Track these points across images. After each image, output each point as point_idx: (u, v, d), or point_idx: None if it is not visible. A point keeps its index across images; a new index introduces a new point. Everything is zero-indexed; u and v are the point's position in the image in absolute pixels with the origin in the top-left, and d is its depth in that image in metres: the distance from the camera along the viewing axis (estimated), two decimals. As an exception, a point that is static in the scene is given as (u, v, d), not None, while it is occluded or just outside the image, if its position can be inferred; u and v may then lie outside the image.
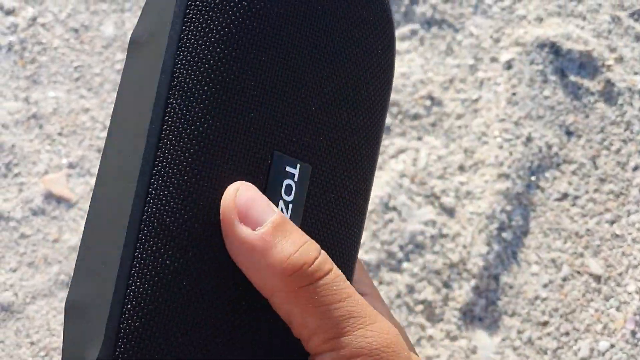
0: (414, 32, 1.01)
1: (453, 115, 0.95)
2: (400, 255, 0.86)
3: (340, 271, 0.37)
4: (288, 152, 0.40)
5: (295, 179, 0.40)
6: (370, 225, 0.87)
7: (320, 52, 0.41)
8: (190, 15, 0.37)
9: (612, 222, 0.88)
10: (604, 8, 1.01)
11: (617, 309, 0.83)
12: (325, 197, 0.41)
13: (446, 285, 0.85)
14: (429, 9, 1.02)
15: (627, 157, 0.91)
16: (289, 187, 0.40)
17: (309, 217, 0.40)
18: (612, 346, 0.81)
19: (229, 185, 0.36)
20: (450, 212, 0.89)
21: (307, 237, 0.37)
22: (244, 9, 0.37)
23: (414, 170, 0.91)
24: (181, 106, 0.36)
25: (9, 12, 1.01)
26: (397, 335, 0.37)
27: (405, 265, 0.86)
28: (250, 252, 0.35)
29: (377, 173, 0.90)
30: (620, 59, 0.97)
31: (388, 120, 0.94)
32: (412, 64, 0.98)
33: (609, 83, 0.95)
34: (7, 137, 0.92)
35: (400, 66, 0.98)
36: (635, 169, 0.90)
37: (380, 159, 0.92)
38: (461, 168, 0.91)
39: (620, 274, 0.85)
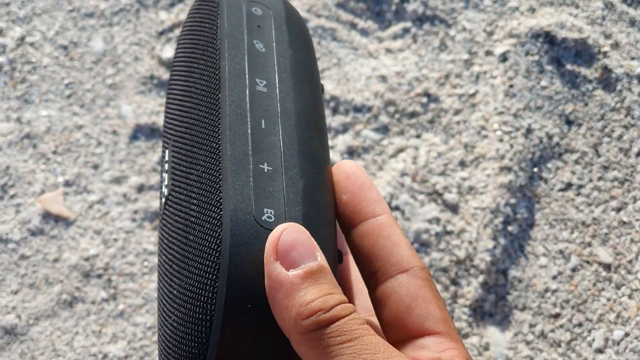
0: (406, 30, 1.01)
1: (451, 111, 0.94)
2: (405, 255, 0.85)
3: (358, 315, 0.37)
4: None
5: (167, 158, 0.45)
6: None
7: None
8: None
9: (618, 210, 0.87)
10: (597, -5, 1.00)
11: (630, 296, 0.82)
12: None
13: (454, 282, 0.84)
14: (420, 5, 1.01)
15: (630, 143, 0.90)
16: (165, 170, 0.45)
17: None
18: (627, 335, 0.80)
19: None
20: (453, 208, 0.87)
21: (336, 289, 0.37)
22: None
23: (415, 168, 0.89)
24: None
25: (-3, 33, 1.01)
26: None
27: (411, 265, 0.85)
28: (276, 291, 0.36)
29: (378, 173, 0.89)
30: (616, 45, 0.96)
31: (385, 119, 0.93)
32: (407, 62, 0.97)
33: (606, 70, 0.94)
34: (1, 159, 0.91)
35: (394, 65, 0.97)
36: (638, 154, 0.89)
37: (379, 159, 0.91)
38: (462, 163, 0.90)
39: (630, 261, 0.84)
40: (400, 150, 0.91)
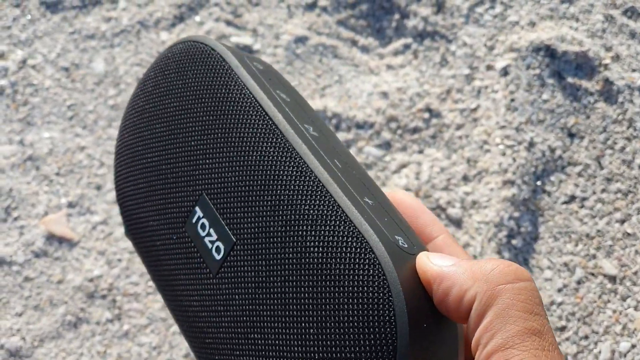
0: (407, 46, 1.01)
1: (453, 125, 0.94)
2: (410, 270, 0.85)
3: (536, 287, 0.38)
4: (187, 208, 0.43)
5: (202, 214, 0.42)
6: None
7: None
8: None
9: (622, 221, 0.87)
10: (597, 8, 1.00)
11: (635, 308, 0.81)
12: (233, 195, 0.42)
13: (459, 297, 0.83)
14: (420, 21, 1.01)
15: (633, 155, 0.90)
16: (203, 225, 0.42)
17: (230, 221, 0.41)
18: (634, 346, 0.80)
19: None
20: (457, 223, 0.87)
21: None
22: None
23: (418, 183, 0.89)
24: None
25: (-1, 57, 1.01)
26: None
27: (416, 280, 0.84)
28: (460, 274, 0.37)
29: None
30: (616, 57, 0.96)
31: (388, 135, 0.93)
32: (408, 78, 0.98)
33: (607, 82, 0.94)
34: (4, 181, 0.91)
35: (395, 81, 0.97)
36: (641, 165, 0.89)
37: (382, 175, 0.91)
38: (465, 178, 0.90)
39: (635, 273, 0.83)
40: (403, 166, 0.91)
